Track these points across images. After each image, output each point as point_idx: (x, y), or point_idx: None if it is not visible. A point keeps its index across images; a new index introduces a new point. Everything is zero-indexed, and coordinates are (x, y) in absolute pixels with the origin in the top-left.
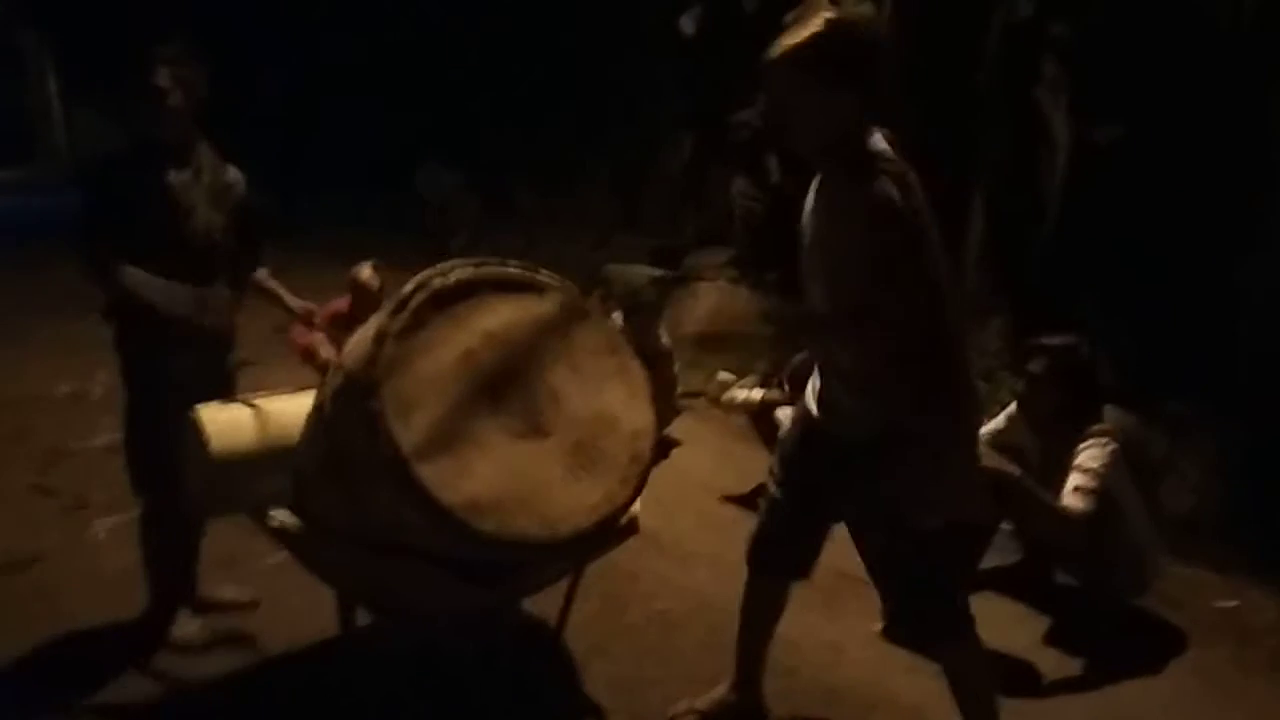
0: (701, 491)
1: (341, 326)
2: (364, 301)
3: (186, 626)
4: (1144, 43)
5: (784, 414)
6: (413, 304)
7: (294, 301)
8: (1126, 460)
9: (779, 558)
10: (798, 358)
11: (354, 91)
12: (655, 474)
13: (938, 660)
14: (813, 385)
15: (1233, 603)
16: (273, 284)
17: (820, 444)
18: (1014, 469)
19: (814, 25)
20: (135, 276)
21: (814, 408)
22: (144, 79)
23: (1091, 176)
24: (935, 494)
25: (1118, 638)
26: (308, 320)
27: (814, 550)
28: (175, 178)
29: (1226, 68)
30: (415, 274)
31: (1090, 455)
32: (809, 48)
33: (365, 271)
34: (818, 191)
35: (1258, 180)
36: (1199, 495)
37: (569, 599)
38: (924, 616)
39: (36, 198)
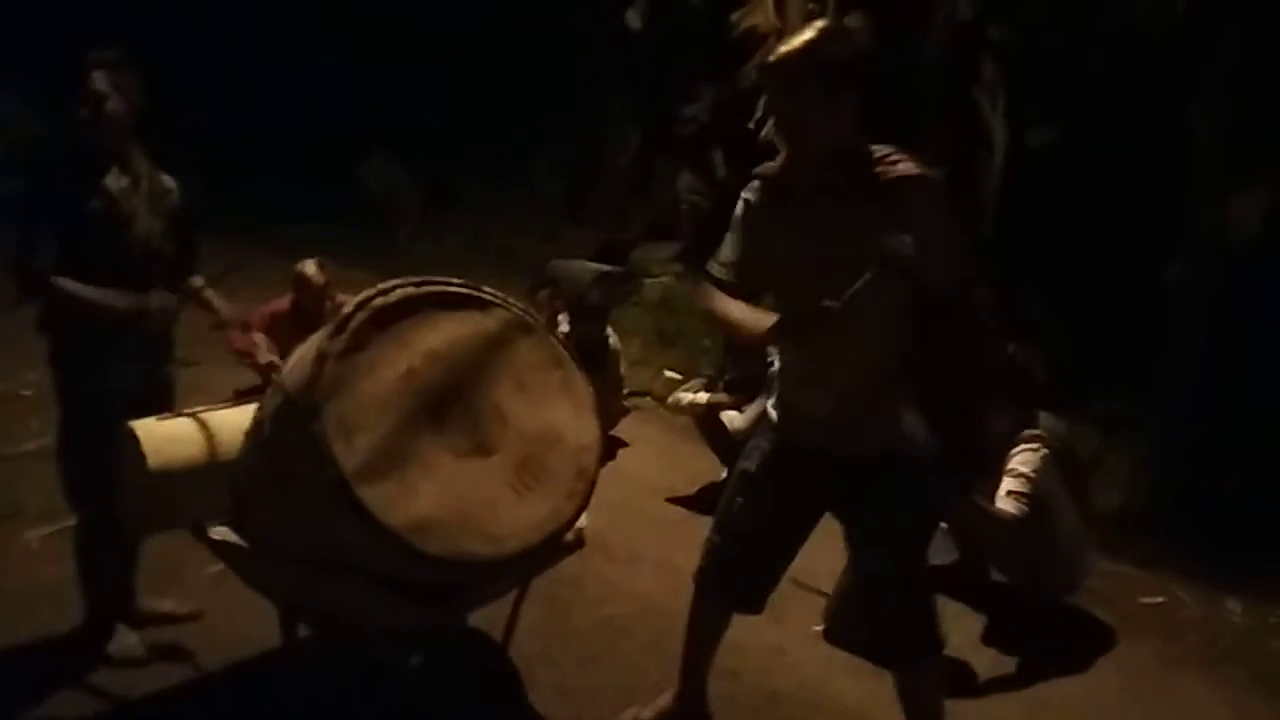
0: (648, 493)
1: (282, 327)
2: (308, 298)
3: (124, 640)
4: (1076, 47)
5: (729, 416)
6: (353, 324)
7: (227, 310)
8: (1057, 463)
9: (739, 591)
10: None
11: (297, 85)
12: (601, 476)
13: (904, 675)
14: (785, 410)
15: (1158, 599)
16: (207, 292)
17: (805, 469)
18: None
19: (809, 32)
20: (73, 287)
21: (801, 431)
22: (81, 84)
23: (1026, 178)
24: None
25: (1049, 635)
26: (243, 327)
27: (774, 584)
28: (114, 184)
29: (1154, 73)
30: (359, 270)
31: (1022, 460)
32: (808, 54)
33: (309, 267)
34: (825, 204)
35: (1184, 181)
36: (1127, 492)
37: (515, 612)
38: (908, 634)
39: None
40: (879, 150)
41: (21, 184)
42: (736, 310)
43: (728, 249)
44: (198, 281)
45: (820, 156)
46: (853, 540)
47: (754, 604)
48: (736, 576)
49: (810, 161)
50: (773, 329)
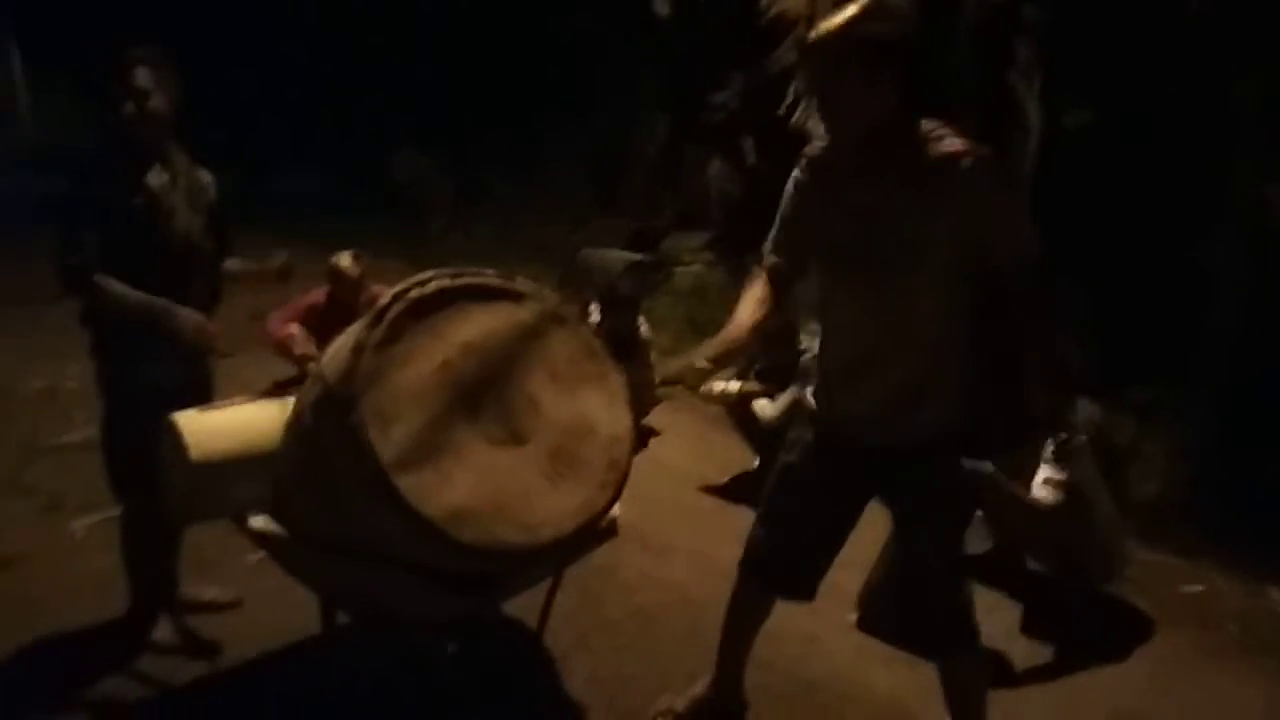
0: (680, 482)
1: (318, 319)
2: (343, 290)
3: (168, 627)
4: (1113, 28)
5: (761, 405)
6: (390, 315)
7: (257, 266)
8: (1094, 451)
9: (788, 579)
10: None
11: (328, 79)
12: (634, 465)
13: (944, 667)
14: (829, 401)
15: (1198, 587)
16: (231, 262)
17: (848, 460)
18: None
19: (850, 10)
20: (115, 288)
21: (846, 423)
22: (121, 81)
23: (1062, 161)
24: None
25: (1086, 624)
26: (284, 275)
27: (824, 572)
28: (155, 181)
29: (1193, 53)
30: (393, 261)
31: (1059, 448)
32: (848, 31)
33: (344, 260)
34: (871, 183)
35: (1223, 164)
36: (1165, 480)
37: (549, 600)
38: (951, 623)
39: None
40: (926, 127)
41: (60, 181)
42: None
43: (774, 231)
44: (232, 261)
45: (864, 135)
46: (900, 527)
47: (805, 591)
48: (784, 566)
49: (853, 141)
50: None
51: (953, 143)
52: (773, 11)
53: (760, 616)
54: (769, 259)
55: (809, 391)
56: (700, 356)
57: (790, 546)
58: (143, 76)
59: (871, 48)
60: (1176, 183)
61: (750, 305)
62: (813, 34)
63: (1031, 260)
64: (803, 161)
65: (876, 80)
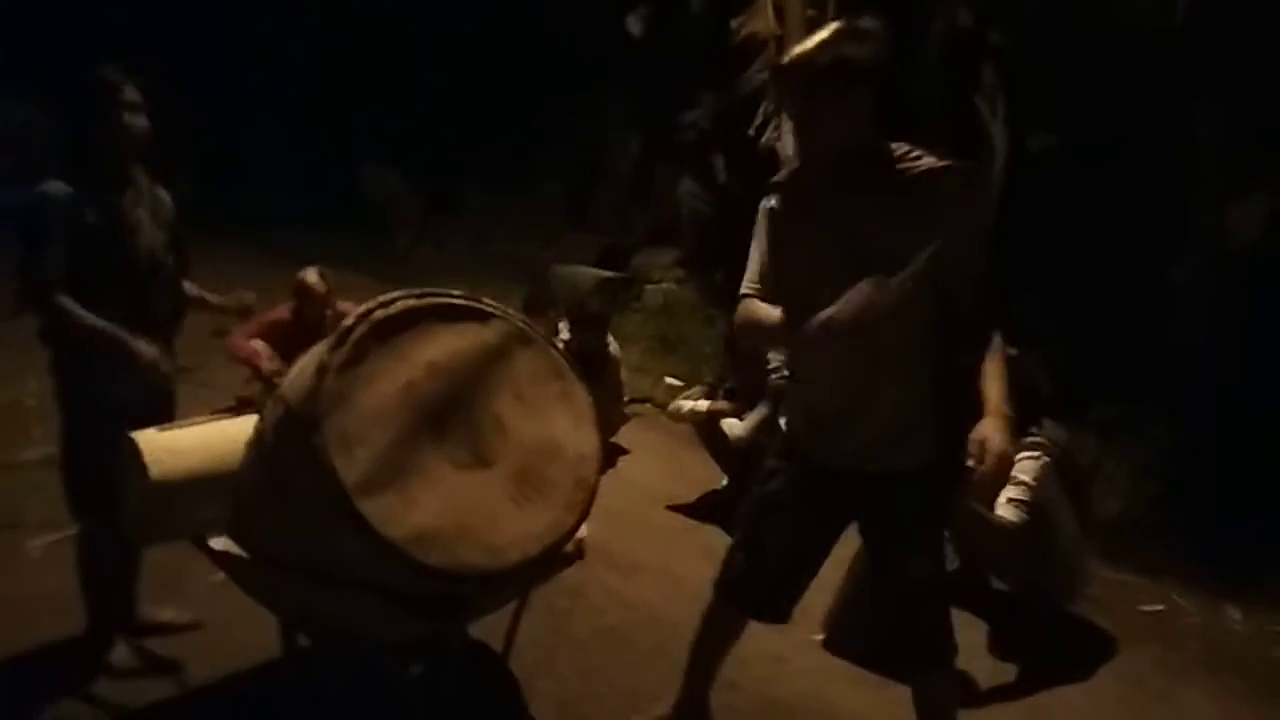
0: (649, 501)
1: (284, 335)
2: (310, 306)
3: (124, 650)
4: (1077, 52)
5: (729, 424)
6: (354, 336)
7: (220, 300)
8: (1057, 470)
9: (766, 603)
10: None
11: (297, 92)
12: (602, 483)
13: (919, 686)
14: (810, 429)
15: (1159, 606)
16: (197, 290)
17: (829, 486)
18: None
19: (824, 32)
20: (75, 310)
21: (828, 451)
22: (108, 98)
23: (1027, 183)
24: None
25: (1049, 643)
26: (243, 314)
27: (800, 595)
28: (119, 200)
29: (1155, 78)
30: (361, 276)
31: (1023, 468)
32: (822, 54)
33: (311, 276)
34: (846, 203)
35: (1185, 185)
36: (1127, 499)
37: (515, 622)
38: (925, 646)
39: None
40: (899, 148)
41: (19, 194)
42: (767, 315)
43: (753, 266)
44: (192, 289)
45: (838, 156)
46: (882, 551)
47: (782, 615)
48: (763, 591)
49: (828, 162)
50: (822, 324)
51: (930, 160)
52: (743, 33)
53: (732, 638)
54: (752, 297)
55: (783, 420)
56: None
57: (769, 572)
58: (130, 94)
59: (846, 70)
60: (1139, 204)
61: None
62: (788, 56)
63: (987, 285)
64: (774, 190)
65: (850, 102)
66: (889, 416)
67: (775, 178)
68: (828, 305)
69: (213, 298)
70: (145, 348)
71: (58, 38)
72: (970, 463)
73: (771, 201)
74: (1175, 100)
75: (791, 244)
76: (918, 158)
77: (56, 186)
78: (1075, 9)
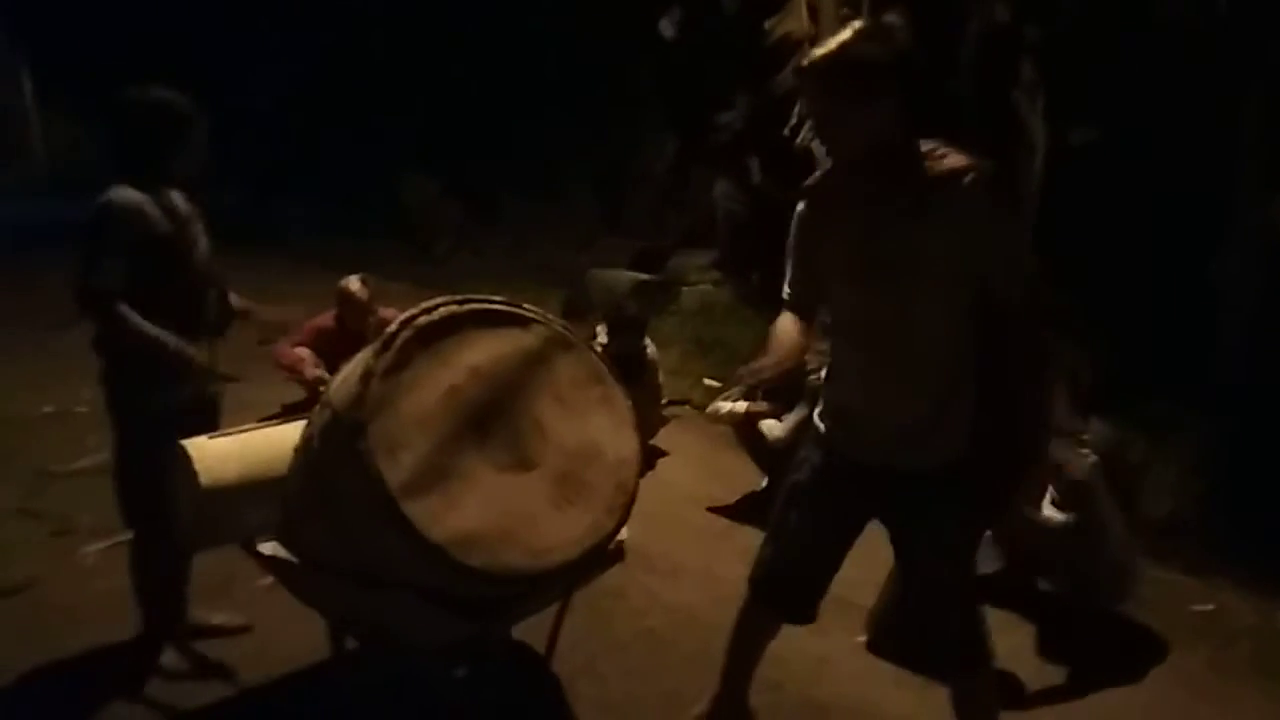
0: (688, 503)
1: (327, 341)
2: (352, 313)
3: (176, 653)
4: (1117, 46)
5: (768, 425)
6: (398, 342)
7: (268, 312)
8: (1105, 469)
9: (793, 599)
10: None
11: (336, 101)
12: (642, 486)
13: (957, 690)
14: (840, 423)
15: (1209, 606)
16: (244, 302)
17: (857, 482)
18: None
19: (845, 34)
20: (133, 317)
21: (857, 445)
22: (181, 126)
23: (1068, 178)
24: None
25: (1098, 644)
26: (282, 329)
27: (824, 594)
28: (184, 208)
29: (1197, 69)
30: (400, 283)
31: (1072, 467)
32: (843, 55)
33: (353, 284)
34: (873, 205)
35: (1228, 179)
36: (1176, 498)
37: (557, 624)
38: (965, 645)
39: (12, 204)
40: (927, 147)
41: (77, 207)
42: (777, 335)
43: (788, 271)
44: (239, 301)
45: (864, 157)
46: (908, 551)
47: (807, 615)
48: (791, 587)
49: (854, 164)
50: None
51: (955, 159)
52: (777, 34)
53: (767, 636)
54: (789, 301)
55: (816, 413)
56: (748, 374)
57: (792, 564)
58: (190, 105)
59: (866, 69)
60: (1183, 199)
61: (789, 328)
62: (809, 58)
63: (1028, 289)
64: (804, 194)
65: (872, 102)
66: (917, 414)
67: (806, 181)
68: (854, 307)
69: (260, 310)
70: (198, 353)
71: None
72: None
73: (801, 207)
74: (1219, 94)
75: (821, 246)
76: (943, 156)
77: (125, 194)
78: (1114, 3)
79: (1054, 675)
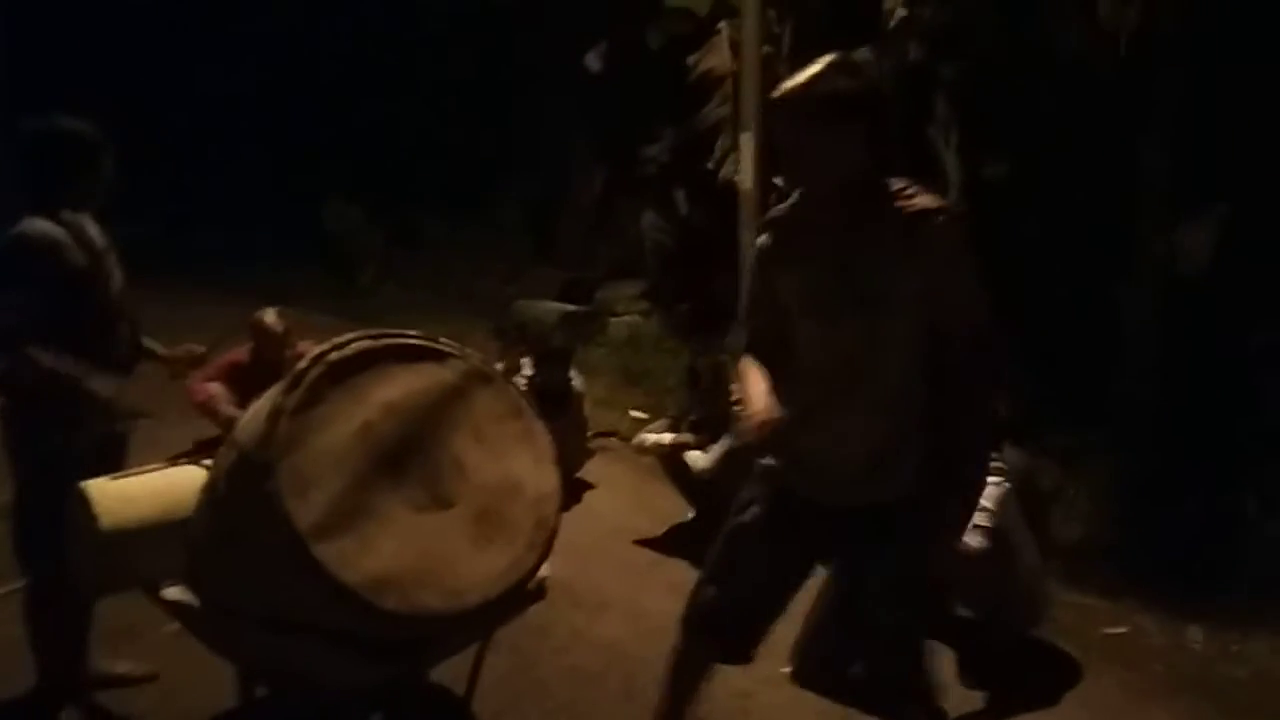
0: (615, 536)
1: (242, 376)
2: (269, 346)
3: (77, 705)
4: (1025, 83)
5: (694, 456)
6: (308, 379)
7: (169, 352)
8: (1018, 495)
9: (734, 640)
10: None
11: (255, 127)
12: (567, 519)
13: None
14: (790, 460)
15: (1121, 629)
16: (147, 342)
17: (806, 520)
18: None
19: (816, 66)
20: (55, 363)
21: (809, 482)
22: (89, 153)
23: (980, 212)
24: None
25: (1015, 669)
26: (193, 364)
27: (766, 634)
28: (98, 241)
29: (1101, 106)
30: (322, 316)
31: (985, 494)
32: (813, 88)
33: (269, 316)
34: (840, 239)
35: (1132, 212)
36: (1087, 523)
37: (477, 665)
38: (903, 681)
39: None
40: (896, 184)
41: None
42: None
43: (746, 302)
44: (152, 345)
45: (831, 192)
46: (861, 588)
47: (746, 656)
48: (733, 629)
49: (821, 197)
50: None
51: (926, 199)
52: (700, 69)
53: (704, 676)
54: (754, 345)
55: (764, 449)
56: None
57: (738, 605)
58: (106, 145)
59: (836, 102)
60: (1089, 231)
61: (755, 375)
62: (778, 90)
63: (984, 327)
64: (766, 226)
65: (843, 135)
66: (870, 451)
67: (769, 213)
68: (819, 343)
69: (162, 349)
70: (103, 385)
71: (11, 78)
72: None
73: (763, 241)
74: (1121, 129)
75: (783, 279)
76: (911, 196)
77: (39, 226)
78: (1022, 44)
79: (973, 700)
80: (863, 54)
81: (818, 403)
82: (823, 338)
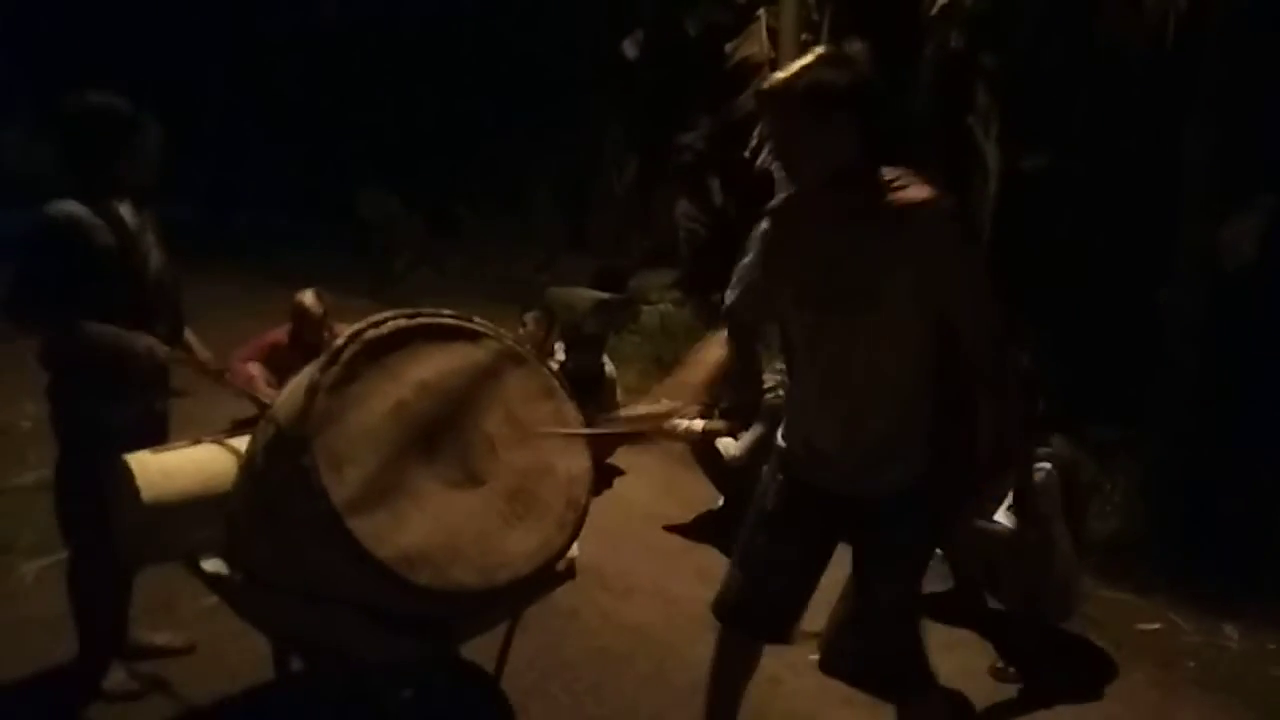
0: (645, 521)
1: (281, 357)
2: (307, 328)
3: (118, 674)
4: (1068, 74)
5: (725, 444)
6: (345, 356)
7: (204, 354)
8: (1061, 485)
9: (768, 622)
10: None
11: (295, 115)
12: (597, 504)
13: (901, 710)
14: (799, 446)
15: (1155, 625)
16: (187, 336)
17: (820, 503)
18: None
19: (807, 58)
20: (94, 329)
21: (815, 469)
22: (125, 133)
23: (1021, 203)
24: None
25: (1047, 663)
26: (217, 375)
27: (802, 613)
28: (131, 220)
29: (1145, 97)
30: (357, 300)
31: (1034, 480)
32: (800, 80)
33: (308, 297)
34: (833, 229)
35: (1175, 204)
36: (1123, 518)
37: (507, 643)
38: (900, 670)
39: None
40: (888, 174)
41: (22, 217)
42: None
43: (737, 278)
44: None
45: (825, 182)
46: (857, 573)
47: (784, 636)
48: (765, 611)
49: (814, 188)
50: None
51: (918, 189)
52: (737, 57)
53: (751, 663)
54: (733, 316)
55: (780, 435)
56: (659, 396)
57: (767, 589)
58: (147, 124)
59: (824, 96)
60: (1132, 224)
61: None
62: (767, 83)
63: (993, 322)
64: (768, 214)
65: (830, 128)
66: (879, 440)
67: (770, 203)
68: (813, 332)
69: (198, 347)
70: (141, 340)
71: (53, 61)
72: None
73: (764, 226)
74: (1166, 121)
75: (778, 268)
76: (902, 187)
77: (68, 208)
78: (1066, 32)
79: (1004, 692)
80: (854, 46)
81: (815, 391)
82: (816, 329)
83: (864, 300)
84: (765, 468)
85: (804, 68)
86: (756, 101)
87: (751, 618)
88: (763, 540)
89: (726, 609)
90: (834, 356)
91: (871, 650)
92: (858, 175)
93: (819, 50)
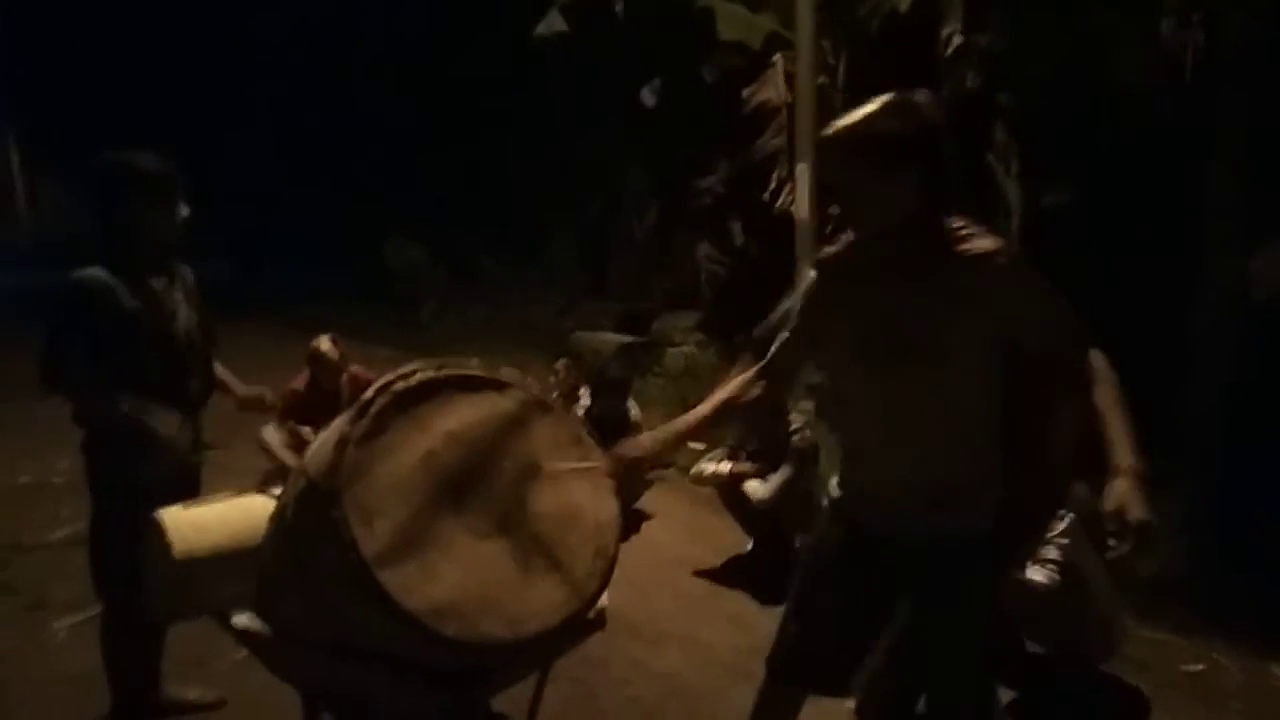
0: (673, 567)
1: (301, 404)
2: (325, 373)
3: None
4: (1088, 109)
5: (753, 486)
6: (374, 409)
7: (242, 390)
8: (1086, 528)
9: (825, 676)
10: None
11: (321, 169)
12: (626, 550)
13: None
14: (858, 491)
15: (1200, 666)
16: (222, 373)
17: (878, 552)
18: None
19: (870, 106)
20: (119, 408)
21: (882, 517)
22: (144, 190)
23: (1042, 239)
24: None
25: (1089, 706)
26: (258, 406)
27: (860, 663)
28: (158, 284)
29: (1166, 131)
30: (385, 348)
31: (1052, 527)
32: (864, 129)
33: (324, 344)
34: (895, 281)
35: (1197, 237)
36: (1163, 556)
37: (537, 694)
38: (972, 715)
39: None
40: (954, 224)
41: (57, 276)
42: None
43: (777, 341)
44: (220, 372)
45: (885, 233)
46: (922, 623)
47: (841, 689)
48: (822, 666)
49: (875, 238)
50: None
51: (984, 240)
52: (754, 101)
53: (792, 717)
54: (770, 366)
55: (833, 490)
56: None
57: (826, 642)
58: (170, 181)
59: (887, 143)
60: (1154, 258)
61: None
62: (828, 132)
63: (1084, 340)
64: (818, 266)
65: (894, 176)
66: (933, 484)
67: (821, 253)
68: (872, 384)
69: (238, 386)
70: (164, 423)
71: (86, 119)
72: (1111, 541)
73: (814, 279)
74: (1184, 154)
75: (832, 321)
76: (969, 237)
77: (91, 274)
78: (1084, 70)
79: None
80: (922, 93)
81: (872, 442)
82: (874, 383)
83: (933, 350)
84: (818, 519)
85: (867, 115)
86: (816, 150)
87: (811, 672)
88: (821, 593)
89: (781, 663)
90: (898, 405)
91: (942, 698)
92: (922, 225)
93: (885, 97)
